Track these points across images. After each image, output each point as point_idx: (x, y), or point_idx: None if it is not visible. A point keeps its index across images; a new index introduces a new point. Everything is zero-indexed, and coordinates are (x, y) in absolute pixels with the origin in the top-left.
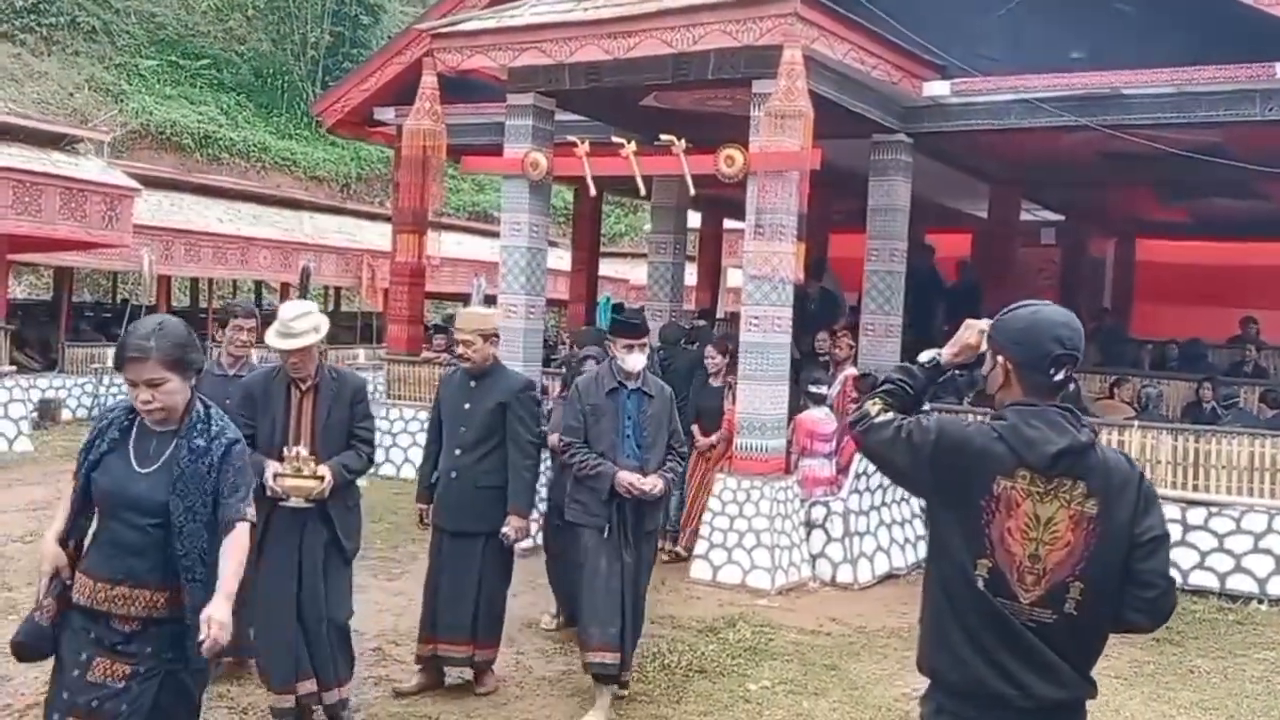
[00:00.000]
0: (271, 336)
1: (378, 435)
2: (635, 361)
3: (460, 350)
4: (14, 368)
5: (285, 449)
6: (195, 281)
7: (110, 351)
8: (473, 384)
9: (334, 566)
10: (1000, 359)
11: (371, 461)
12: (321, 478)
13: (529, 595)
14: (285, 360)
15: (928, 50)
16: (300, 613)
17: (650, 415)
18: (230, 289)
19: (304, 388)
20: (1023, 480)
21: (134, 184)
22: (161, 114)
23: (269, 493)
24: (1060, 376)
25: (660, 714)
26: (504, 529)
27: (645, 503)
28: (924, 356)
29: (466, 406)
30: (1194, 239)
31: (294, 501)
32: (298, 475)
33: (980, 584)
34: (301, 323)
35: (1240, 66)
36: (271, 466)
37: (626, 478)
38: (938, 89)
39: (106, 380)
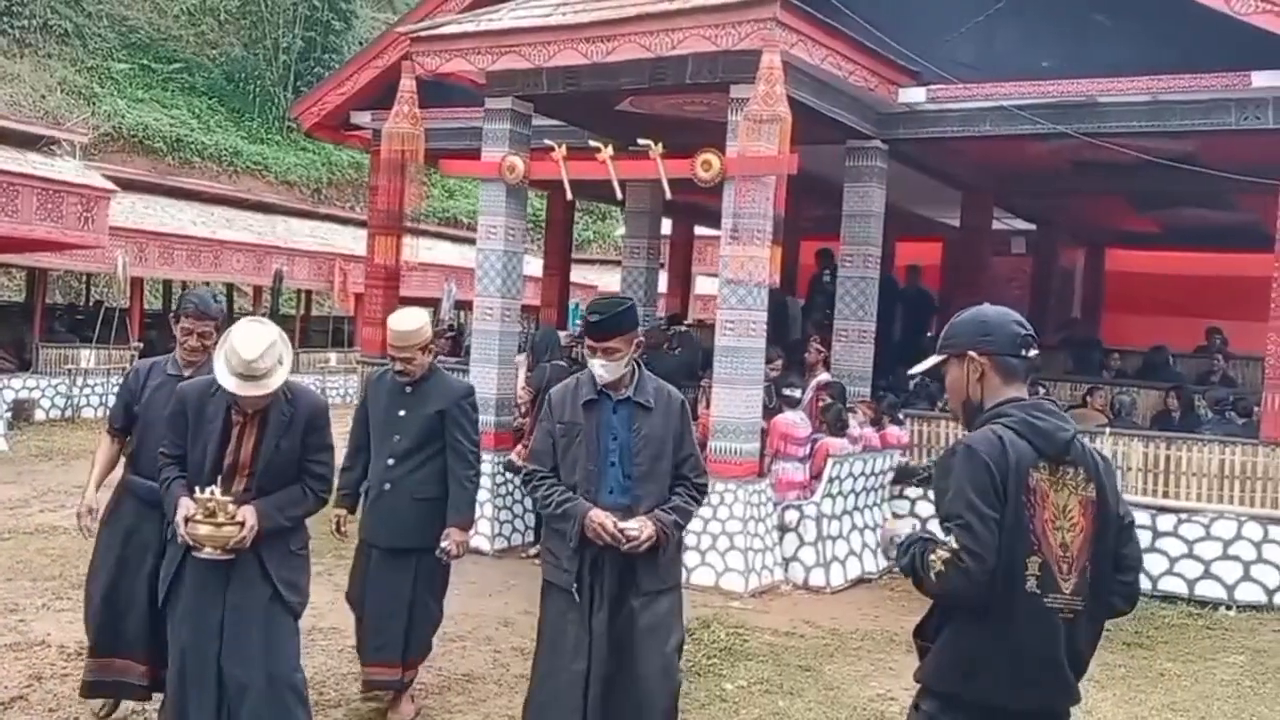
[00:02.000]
0: (224, 375)
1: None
2: (603, 370)
3: (400, 367)
4: None
5: (210, 487)
6: (168, 284)
7: (85, 353)
8: (408, 390)
9: (274, 620)
10: (972, 357)
11: (324, 501)
12: (241, 523)
13: (506, 595)
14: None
15: (904, 57)
16: (221, 677)
17: (645, 435)
18: None
19: (249, 411)
20: (1044, 471)
21: (110, 185)
22: (133, 117)
23: (180, 539)
24: (1032, 354)
25: None
26: (443, 544)
27: (634, 556)
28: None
29: (401, 413)
30: (1164, 249)
31: (207, 553)
32: (210, 521)
33: (1032, 584)
34: (265, 360)
35: (1216, 75)
36: (184, 507)
37: (598, 518)
38: (913, 96)
39: (80, 381)
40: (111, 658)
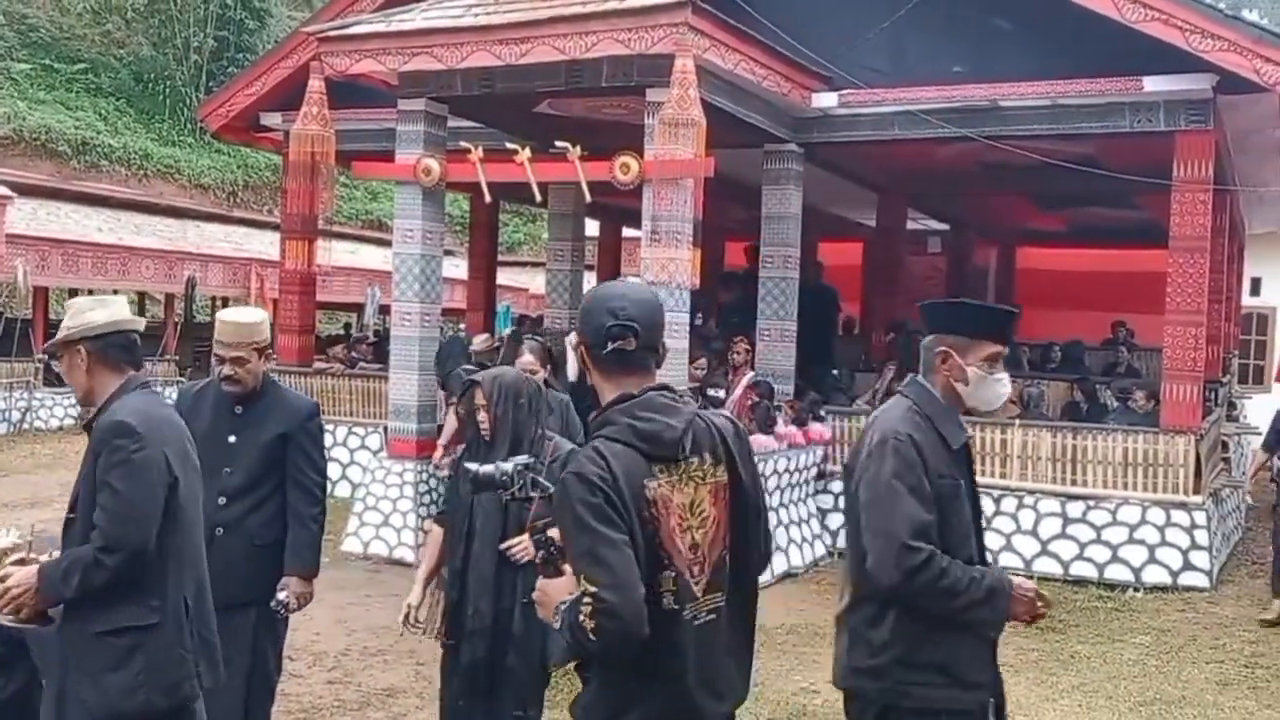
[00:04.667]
0: None
1: None
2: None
3: (228, 371)
4: None
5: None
6: (74, 293)
7: None
8: (238, 410)
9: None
10: (576, 342)
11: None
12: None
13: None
14: None
15: (816, 62)
16: None
17: None
18: None
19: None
20: (662, 475)
21: (6, 192)
22: (35, 119)
23: None
24: (615, 345)
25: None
26: (280, 595)
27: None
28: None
29: (231, 440)
30: (1071, 247)
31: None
32: None
33: (668, 600)
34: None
35: (1111, 80)
36: None
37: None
38: (826, 100)
39: None
40: None
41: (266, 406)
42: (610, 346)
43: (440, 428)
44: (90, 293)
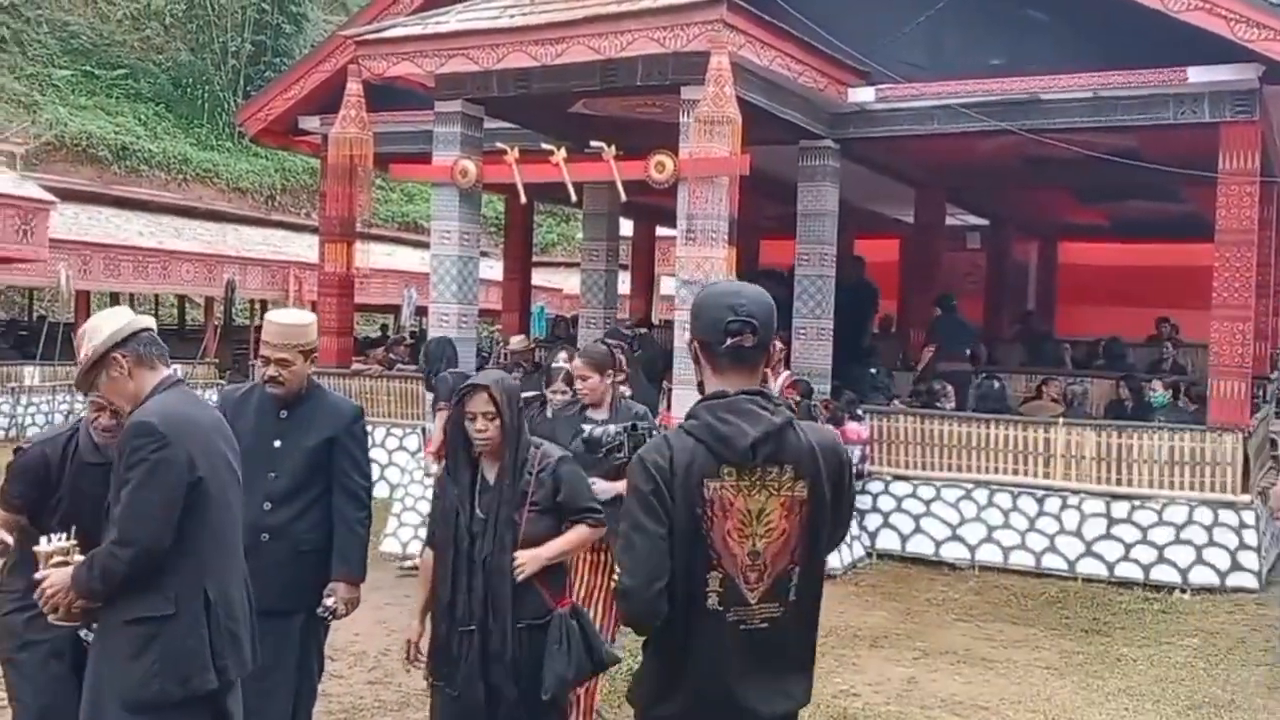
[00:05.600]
0: None
1: None
2: None
3: (272, 372)
4: None
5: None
6: (115, 296)
7: (29, 370)
8: (283, 414)
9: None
10: (689, 339)
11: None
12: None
13: None
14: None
15: (853, 57)
16: None
17: None
18: (152, 304)
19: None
20: (729, 478)
21: (49, 197)
22: (76, 125)
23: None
24: (731, 341)
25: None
26: (328, 601)
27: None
28: None
29: (277, 444)
30: (1114, 241)
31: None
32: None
33: (713, 600)
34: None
35: (1153, 71)
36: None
37: None
38: (863, 95)
39: (24, 399)
40: None
41: (311, 410)
42: (729, 342)
43: (424, 429)
44: (131, 297)
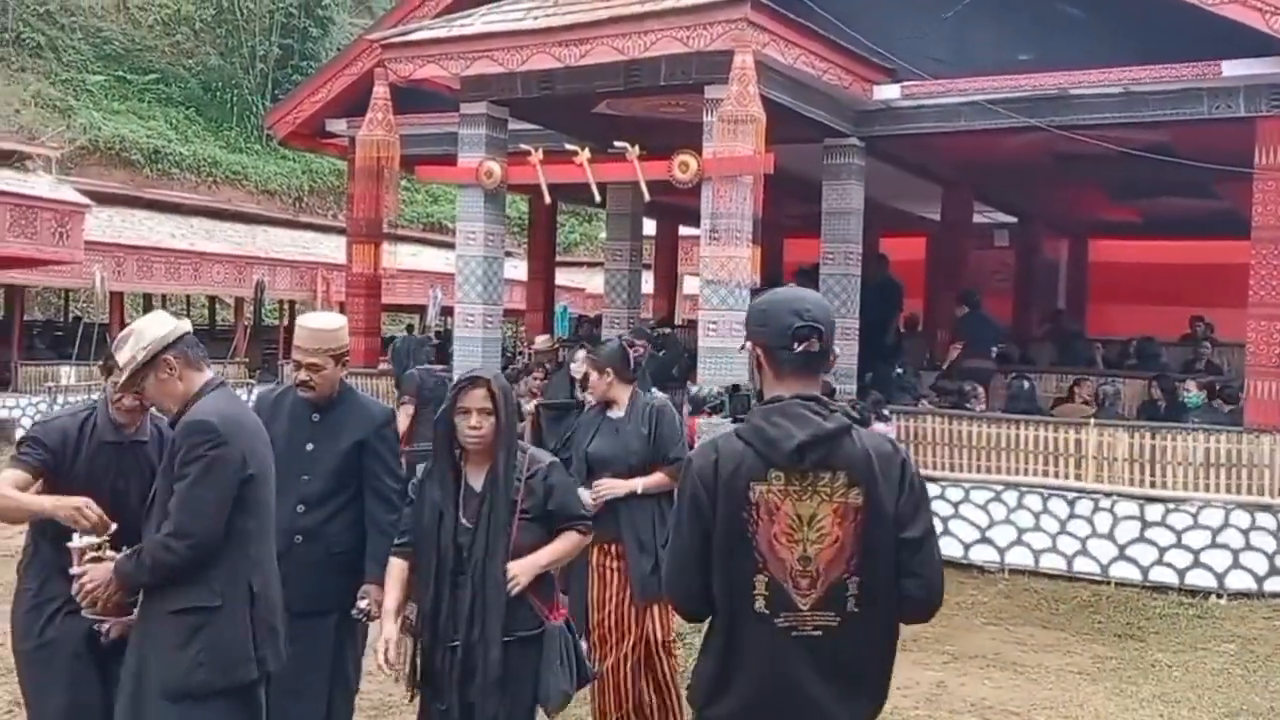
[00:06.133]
0: None
1: None
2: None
3: (304, 376)
4: None
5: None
6: (148, 297)
7: (65, 370)
8: (315, 417)
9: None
10: (750, 346)
11: (169, 559)
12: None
13: None
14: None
15: (877, 54)
16: None
17: None
18: (184, 304)
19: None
20: (777, 481)
21: (84, 200)
22: (110, 129)
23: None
24: (800, 348)
25: None
26: (361, 604)
27: None
28: None
29: (310, 448)
30: (1145, 238)
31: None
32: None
33: (760, 604)
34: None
35: (1186, 65)
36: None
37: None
38: (888, 92)
39: (61, 399)
40: None
41: (343, 414)
42: (798, 348)
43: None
44: (164, 298)
